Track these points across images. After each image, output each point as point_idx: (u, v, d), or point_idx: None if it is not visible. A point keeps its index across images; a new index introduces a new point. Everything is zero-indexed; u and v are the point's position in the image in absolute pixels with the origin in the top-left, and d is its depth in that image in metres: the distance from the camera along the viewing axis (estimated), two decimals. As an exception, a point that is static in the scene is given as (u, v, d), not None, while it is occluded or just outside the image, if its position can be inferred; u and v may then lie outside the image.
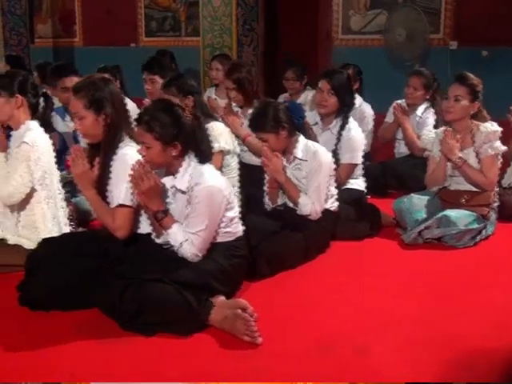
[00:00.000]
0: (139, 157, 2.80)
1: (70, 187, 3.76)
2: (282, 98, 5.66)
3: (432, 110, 4.88)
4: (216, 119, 3.81)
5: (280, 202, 3.56)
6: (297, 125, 3.38)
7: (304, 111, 3.46)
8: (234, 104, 4.44)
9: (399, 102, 4.99)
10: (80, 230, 3.58)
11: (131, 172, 2.67)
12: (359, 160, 3.93)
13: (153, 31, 11.30)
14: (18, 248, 3.24)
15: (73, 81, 4.18)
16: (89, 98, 2.82)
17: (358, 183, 4.03)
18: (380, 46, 8.82)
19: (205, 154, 2.75)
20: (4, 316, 2.78)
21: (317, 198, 3.39)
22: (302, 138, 3.43)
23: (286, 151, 3.45)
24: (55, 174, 3.31)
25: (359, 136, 3.94)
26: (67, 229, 3.36)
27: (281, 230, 3.33)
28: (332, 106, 3.93)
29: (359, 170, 4.02)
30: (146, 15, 11.32)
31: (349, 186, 3.95)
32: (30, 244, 3.26)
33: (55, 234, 3.27)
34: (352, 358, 2.39)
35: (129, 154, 2.82)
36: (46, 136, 3.30)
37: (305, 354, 2.41)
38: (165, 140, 2.63)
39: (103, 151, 2.88)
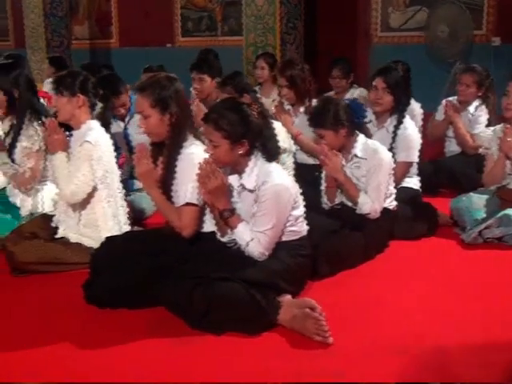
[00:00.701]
0: (205, 155, 2.81)
1: (123, 186, 3.79)
2: (327, 96, 5.62)
3: (484, 108, 4.80)
4: (272, 117, 3.79)
5: (337, 200, 3.52)
6: (357, 124, 3.35)
7: (365, 110, 3.43)
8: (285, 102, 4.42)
9: (450, 99, 4.93)
10: (135, 228, 3.60)
11: (198, 171, 2.67)
12: (415, 158, 3.88)
13: (189, 31, 11.35)
14: (79, 246, 3.28)
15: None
16: (154, 97, 2.82)
17: (414, 182, 3.99)
18: (420, 43, 8.74)
19: (272, 152, 2.74)
20: (72, 313, 2.81)
21: (376, 196, 3.35)
22: (361, 137, 3.40)
23: (345, 150, 3.42)
24: (116, 173, 3.33)
25: (415, 134, 3.89)
26: (127, 227, 3.38)
27: (340, 230, 3.30)
28: (387, 104, 3.88)
29: (414, 169, 3.98)
30: (183, 15, 11.39)
31: (404, 184, 3.91)
32: (91, 242, 3.29)
33: (115, 232, 3.30)
34: (428, 358, 2.35)
35: (195, 152, 2.82)
36: (107, 135, 3.32)
37: (379, 355, 2.38)
38: (233, 138, 2.62)
39: (168, 150, 2.88)
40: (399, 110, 3.88)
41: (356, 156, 3.39)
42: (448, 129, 4.94)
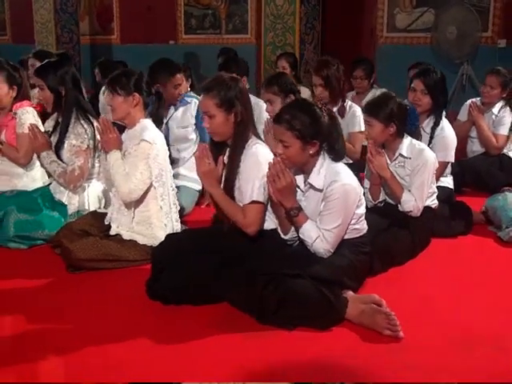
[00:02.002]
0: (270, 154, 2.88)
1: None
2: (349, 96, 5.70)
3: (508, 109, 4.92)
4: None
5: (380, 198, 3.61)
6: (407, 129, 3.43)
7: (418, 121, 3.53)
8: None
9: (474, 100, 5.04)
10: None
11: (266, 170, 2.74)
12: (452, 158, 3.98)
13: (192, 28, 11.35)
14: (133, 243, 3.33)
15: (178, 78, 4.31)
16: (220, 97, 2.87)
17: (448, 181, 4.09)
18: (426, 44, 8.84)
19: (339, 152, 2.81)
20: (138, 310, 2.86)
21: (419, 195, 3.44)
22: (407, 138, 3.49)
23: (389, 149, 3.51)
24: (169, 171, 3.39)
25: (452, 134, 3.99)
26: (178, 224, 3.44)
27: (388, 228, 3.39)
28: (425, 105, 3.98)
29: (449, 169, 4.08)
30: (186, 12, 11.38)
31: (439, 183, 4.00)
32: (144, 239, 3.35)
33: (169, 230, 3.36)
34: (494, 356, 2.43)
35: (259, 151, 2.89)
36: (161, 134, 3.37)
37: (448, 351, 2.46)
38: (305, 139, 2.69)
39: (232, 149, 2.94)
40: (436, 111, 3.98)
41: (401, 155, 3.47)
42: (471, 129, 5.06)
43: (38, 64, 5.07)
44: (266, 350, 2.49)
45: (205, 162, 2.93)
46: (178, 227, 3.42)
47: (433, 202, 3.61)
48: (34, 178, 4.12)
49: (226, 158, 3.01)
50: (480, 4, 8.31)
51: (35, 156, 4.09)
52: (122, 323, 2.73)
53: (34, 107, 4.04)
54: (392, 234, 3.35)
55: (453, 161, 4.00)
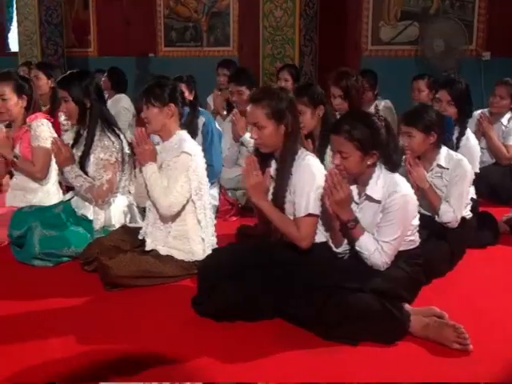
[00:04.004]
0: (322, 166, 2.83)
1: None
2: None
3: (518, 119, 4.98)
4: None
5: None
6: (444, 139, 3.42)
7: (454, 130, 3.52)
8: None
9: (483, 111, 5.09)
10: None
11: (323, 182, 2.69)
12: (477, 168, 3.98)
13: (173, 41, 11.27)
14: (170, 259, 3.22)
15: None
16: (271, 109, 2.81)
17: (472, 192, 4.08)
18: (410, 57, 8.95)
19: (396, 163, 2.77)
20: (189, 328, 2.75)
21: (458, 206, 3.43)
22: (444, 148, 3.47)
23: (426, 159, 3.48)
24: (206, 184, 3.29)
25: (476, 145, 4.01)
26: (214, 239, 3.34)
27: (427, 238, 3.35)
28: (451, 116, 3.97)
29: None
30: (166, 25, 11.28)
31: (464, 194, 4.00)
32: (180, 254, 3.25)
33: (206, 244, 3.26)
34: None
35: (312, 163, 2.83)
36: (199, 146, 3.28)
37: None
38: (365, 149, 2.64)
39: (282, 161, 2.87)
40: (462, 121, 3.99)
41: (439, 166, 3.45)
42: (480, 140, 5.09)
43: (42, 75, 4.95)
44: (335, 367, 2.42)
45: (253, 174, 2.85)
46: (214, 241, 3.32)
47: (468, 213, 3.60)
48: (49, 192, 4.00)
49: (272, 170, 2.95)
50: (464, 17, 8.46)
51: (51, 170, 3.97)
52: (176, 342, 2.62)
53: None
54: (432, 245, 3.31)
55: (477, 171, 4.00)
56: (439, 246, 3.35)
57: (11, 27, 12.27)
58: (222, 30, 10.69)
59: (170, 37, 11.27)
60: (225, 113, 5.72)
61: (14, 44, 12.15)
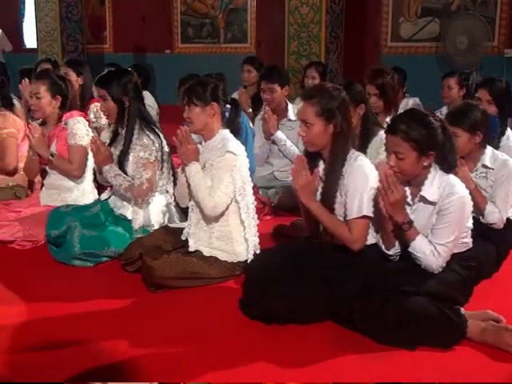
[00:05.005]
0: (373, 167, 2.78)
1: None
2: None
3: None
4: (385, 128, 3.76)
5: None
6: (489, 138, 3.37)
7: (499, 129, 3.46)
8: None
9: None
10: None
11: (374, 182, 2.65)
12: (517, 168, 3.92)
13: (189, 38, 11.23)
14: (214, 260, 3.18)
15: None
16: (321, 106, 2.76)
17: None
18: (431, 54, 8.88)
19: (452, 164, 2.71)
20: (239, 331, 2.71)
21: (504, 206, 3.37)
22: (489, 148, 3.42)
23: (470, 159, 3.43)
24: (250, 184, 3.24)
25: (516, 145, 3.94)
26: (257, 239, 3.29)
27: (473, 239, 3.30)
28: (491, 115, 3.92)
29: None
30: (183, 22, 11.25)
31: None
32: (224, 255, 3.21)
33: (250, 245, 3.21)
34: None
35: (365, 163, 2.79)
36: (242, 145, 3.24)
37: None
38: (422, 150, 2.59)
39: (331, 162, 2.82)
40: (502, 120, 3.92)
41: (484, 166, 3.40)
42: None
43: (71, 72, 4.91)
44: (396, 371, 2.38)
45: (302, 174, 2.81)
46: (257, 241, 3.27)
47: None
48: (84, 191, 3.97)
49: (321, 170, 2.90)
50: (486, 14, 8.39)
51: (86, 169, 3.94)
52: (227, 346, 2.58)
53: None
54: (479, 247, 3.25)
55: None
56: (486, 247, 3.29)
57: (23, 24, 12.31)
58: (240, 27, 10.67)
59: (187, 33, 11.24)
60: (250, 110, 5.68)
61: (28, 40, 12.18)
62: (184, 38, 11.29)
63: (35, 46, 9.74)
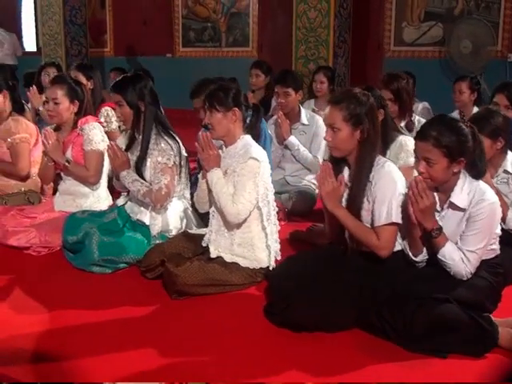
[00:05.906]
0: (400, 173, 2.76)
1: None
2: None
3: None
4: (404, 134, 3.75)
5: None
6: (510, 144, 3.35)
7: None
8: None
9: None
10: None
11: (402, 188, 2.63)
12: (535, 173, 3.91)
13: (191, 41, 11.20)
14: (236, 266, 3.14)
15: None
16: (349, 112, 2.74)
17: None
18: (434, 58, 8.88)
19: (481, 170, 2.69)
20: (267, 338, 2.68)
21: (526, 212, 3.36)
22: (510, 153, 3.40)
23: (491, 164, 3.40)
24: (272, 190, 3.21)
25: (535, 149, 3.92)
26: (278, 246, 3.26)
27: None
28: (510, 120, 3.91)
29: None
30: (184, 25, 11.22)
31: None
32: (245, 262, 3.18)
33: (272, 251, 3.18)
34: None
35: (393, 169, 2.77)
36: (264, 150, 3.21)
37: None
38: (452, 156, 2.57)
39: (358, 169, 2.80)
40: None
41: (505, 171, 3.38)
42: None
43: (81, 76, 4.88)
44: (429, 379, 2.36)
45: (328, 181, 2.78)
46: (278, 248, 3.24)
47: (533, 220, 3.52)
48: (99, 197, 3.93)
49: (346, 176, 2.87)
50: (489, 18, 8.39)
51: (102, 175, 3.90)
52: (256, 352, 2.56)
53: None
54: (504, 253, 3.23)
55: (536, 175, 3.93)
56: (510, 253, 3.27)
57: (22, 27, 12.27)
58: (241, 31, 10.64)
59: (188, 37, 11.21)
60: None
61: (26, 44, 12.15)
62: (185, 42, 11.26)
63: (35, 50, 9.69)
